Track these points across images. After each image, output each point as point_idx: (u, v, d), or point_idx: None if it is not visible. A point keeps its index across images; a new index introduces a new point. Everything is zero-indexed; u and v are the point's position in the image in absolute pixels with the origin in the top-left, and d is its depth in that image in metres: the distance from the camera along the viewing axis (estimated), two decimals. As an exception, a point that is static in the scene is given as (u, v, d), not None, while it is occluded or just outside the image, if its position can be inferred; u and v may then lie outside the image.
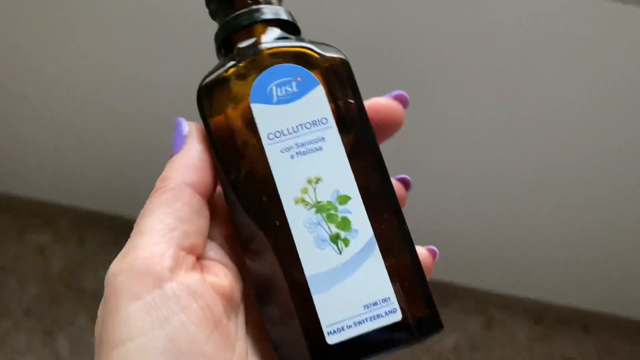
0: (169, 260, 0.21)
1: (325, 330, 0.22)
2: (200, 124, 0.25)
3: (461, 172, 0.86)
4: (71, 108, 0.92)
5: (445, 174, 0.87)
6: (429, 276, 0.25)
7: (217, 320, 0.22)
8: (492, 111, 0.77)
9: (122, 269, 0.21)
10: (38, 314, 1.14)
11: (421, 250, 0.26)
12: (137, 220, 0.23)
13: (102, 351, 0.20)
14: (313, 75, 0.24)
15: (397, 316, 0.23)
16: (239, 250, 0.25)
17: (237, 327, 0.23)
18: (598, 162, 0.80)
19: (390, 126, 0.26)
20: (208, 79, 0.25)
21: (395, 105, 0.26)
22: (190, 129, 0.25)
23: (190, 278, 0.22)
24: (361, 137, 0.24)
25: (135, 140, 0.95)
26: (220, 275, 0.23)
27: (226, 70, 0.24)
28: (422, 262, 0.25)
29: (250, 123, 0.24)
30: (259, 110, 0.24)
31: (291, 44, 0.25)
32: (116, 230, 1.16)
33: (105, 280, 0.22)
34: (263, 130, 0.23)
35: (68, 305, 1.15)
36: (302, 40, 0.26)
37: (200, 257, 0.24)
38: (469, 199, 0.90)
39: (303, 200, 0.23)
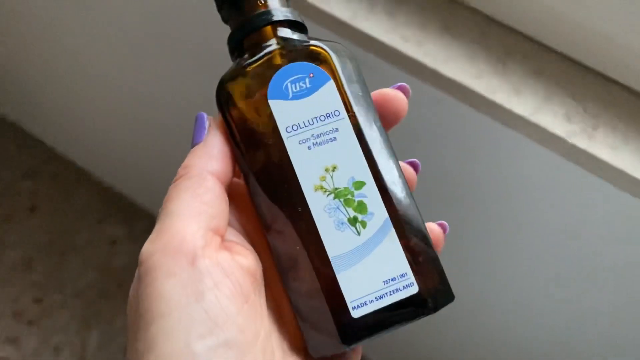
0: (200, 239, 0.23)
1: (349, 305, 0.24)
2: (219, 119, 0.27)
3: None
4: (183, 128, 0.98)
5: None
6: (440, 247, 0.27)
7: (246, 295, 0.23)
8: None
9: (155, 249, 0.22)
10: (86, 301, 1.20)
11: (433, 226, 0.28)
12: (163, 204, 0.24)
13: (140, 327, 0.21)
14: (324, 71, 0.26)
15: (414, 289, 0.24)
16: (254, 236, 0.26)
17: (261, 304, 0.24)
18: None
19: (395, 114, 0.27)
20: (226, 79, 0.26)
21: (399, 95, 0.27)
22: (211, 122, 0.26)
23: (221, 256, 0.23)
24: (371, 127, 0.26)
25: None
26: (245, 255, 0.24)
27: (244, 68, 0.26)
28: (434, 237, 0.26)
29: (269, 117, 0.25)
30: (276, 106, 0.25)
31: (302, 42, 0.26)
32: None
33: (139, 260, 0.22)
34: (281, 124, 0.25)
35: (113, 303, 1.19)
36: (311, 38, 0.27)
37: (223, 239, 0.25)
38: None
39: (322, 188, 0.25)
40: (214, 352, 0.21)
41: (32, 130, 1.33)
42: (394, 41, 0.52)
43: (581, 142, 0.48)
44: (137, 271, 0.23)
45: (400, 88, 0.28)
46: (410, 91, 0.28)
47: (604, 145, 0.48)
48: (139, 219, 1.26)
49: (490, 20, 0.54)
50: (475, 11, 0.54)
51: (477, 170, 0.61)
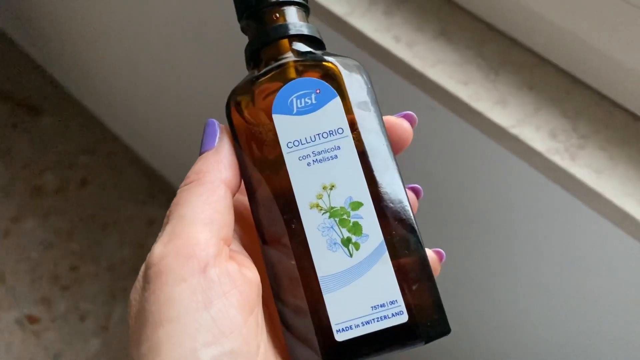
0: (212, 247, 0.22)
1: (334, 328, 0.23)
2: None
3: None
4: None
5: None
6: (435, 276, 0.25)
7: (252, 306, 0.22)
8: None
9: (167, 253, 0.21)
10: (117, 275, 1.25)
11: (429, 253, 0.26)
12: (173, 207, 0.23)
13: (146, 329, 0.20)
14: (331, 88, 0.24)
15: (403, 318, 0.23)
16: (251, 248, 0.25)
17: (261, 317, 0.23)
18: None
19: (399, 142, 0.26)
20: (237, 89, 0.25)
21: (404, 123, 0.26)
22: (222, 129, 0.25)
23: (230, 266, 0.22)
24: (376, 147, 0.24)
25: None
26: (250, 267, 0.23)
27: (252, 82, 0.25)
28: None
29: (272, 132, 0.24)
30: (279, 121, 0.24)
31: (313, 57, 0.25)
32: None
33: (148, 262, 0.21)
34: (283, 139, 0.24)
35: (142, 281, 1.24)
36: (325, 54, 0.26)
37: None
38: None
39: (318, 206, 0.23)
40: None
41: (95, 111, 1.41)
42: (385, 41, 0.51)
43: (562, 160, 0.45)
44: (143, 272, 0.22)
45: (406, 116, 0.26)
46: (417, 120, 0.26)
47: (587, 167, 0.45)
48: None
49: (491, 29, 0.52)
50: (477, 19, 0.53)
51: (461, 180, 0.59)
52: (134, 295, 0.22)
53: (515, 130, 0.45)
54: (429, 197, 0.62)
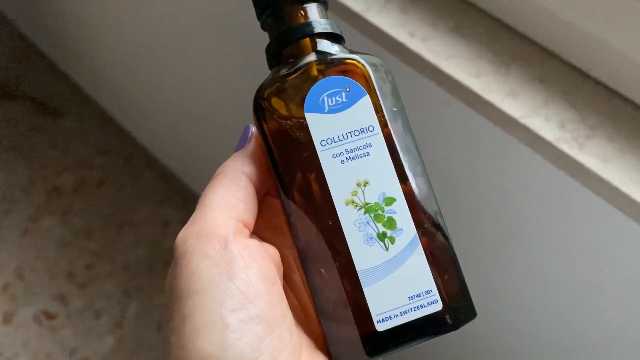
0: (232, 227, 0.23)
1: (375, 319, 0.23)
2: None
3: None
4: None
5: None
6: None
7: (273, 279, 0.23)
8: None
9: (190, 234, 0.23)
10: (132, 274, 1.27)
11: None
12: (200, 199, 0.24)
13: (175, 304, 0.22)
14: (361, 86, 0.25)
15: (438, 306, 0.24)
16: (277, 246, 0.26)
17: (282, 291, 0.24)
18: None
19: None
20: (263, 88, 0.25)
21: None
22: (255, 133, 0.26)
23: (250, 242, 0.23)
24: (405, 143, 0.25)
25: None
26: (271, 246, 0.25)
27: (282, 79, 0.25)
28: None
29: (304, 130, 0.24)
30: (312, 119, 0.24)
31: (340, 56, 0.25)
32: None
33: (175, 245, 0.23)
34: (316, 137, 0.24)
35: (157, 280, 1.26)
36: (348, 51, 0.26)
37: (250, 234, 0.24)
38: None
39: (353, 202, 0.24)
40: (245, 325, 0.21)
41: (113, 114, 1.44)
42: (401, 36, 0.53)
43: (570, 149, 0.47)
44: (174, 256, 0.23)
45: None
46: None
47: (595, 156, 0.47)
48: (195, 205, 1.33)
49: (503, 25, 0.54)
50: (490, 16, 0.55)
51: (472, 169, 0.61)
52: (167, 280, 0.23)
53: (525, 121, 0.47)
54: (441, 187, 0.64)
